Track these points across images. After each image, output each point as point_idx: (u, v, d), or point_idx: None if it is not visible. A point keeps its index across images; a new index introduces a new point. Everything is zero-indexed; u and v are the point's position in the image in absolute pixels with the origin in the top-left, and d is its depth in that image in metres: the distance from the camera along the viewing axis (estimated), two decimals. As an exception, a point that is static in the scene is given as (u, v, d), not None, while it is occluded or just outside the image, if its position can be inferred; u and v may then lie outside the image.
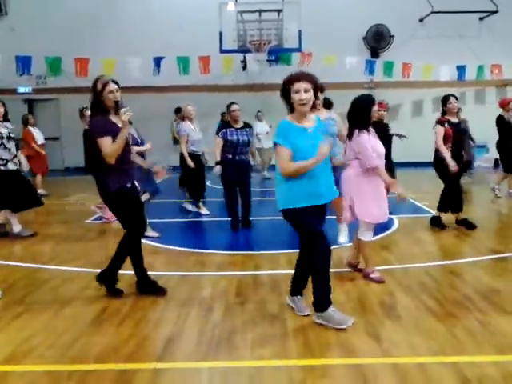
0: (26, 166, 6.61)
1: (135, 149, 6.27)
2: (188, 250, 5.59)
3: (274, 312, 3.71)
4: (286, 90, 3.28)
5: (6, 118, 6.14)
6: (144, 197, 5.84)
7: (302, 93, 3.20)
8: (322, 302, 3.44)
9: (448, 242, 5.79)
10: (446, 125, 5.91)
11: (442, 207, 6.27)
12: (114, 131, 3.77)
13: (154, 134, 9.14)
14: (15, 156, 6.11)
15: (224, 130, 6.40)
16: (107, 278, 4.05)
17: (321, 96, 5.27)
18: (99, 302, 3.93)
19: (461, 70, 13.67)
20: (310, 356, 3.03)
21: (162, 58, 12.15)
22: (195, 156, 7.33)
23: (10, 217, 6.28)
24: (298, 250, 3.59)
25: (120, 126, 3.79)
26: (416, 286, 4.22)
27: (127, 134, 3.85)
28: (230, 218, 6.60)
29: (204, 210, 7.70)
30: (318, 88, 3.32)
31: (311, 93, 3.23)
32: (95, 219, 7.36)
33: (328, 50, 12.52)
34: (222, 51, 11.77)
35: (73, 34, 13.65)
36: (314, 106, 3.44)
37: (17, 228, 6.29)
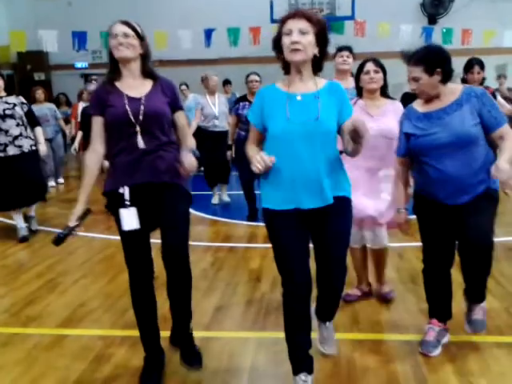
0: (43, 148, 5.31)
1: None
2: (236, 221, 5.63)
3: (323, 285, 3.69)
4: (278, 37, 2.24)
5: (10, 92, 5.20)
6: None
7: (295, 34, 2.14)
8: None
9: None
10: None
11: None
12: (107, 105, 2.43)
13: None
14: (17, 137, 4.99)
15: (236, 105, 5.60)
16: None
17: (352, 61, 4.26)
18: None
19: (527, 35, 12.80)
20: (358, 331, 3.01)
21: (212, 29, 12.07)
22: (207, 132, 6.30)
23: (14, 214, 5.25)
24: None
25: (132, 95, 2.44)
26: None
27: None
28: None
29: (215, 199, 6.60)
30: (325, 39, 2.23)
31: (311, 37, 2.16)
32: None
33: (382, 17, 11.99)
34: (273, 21, 11.55)
35: (126, 7, 13.78)
36: (318, 69, 2.30)
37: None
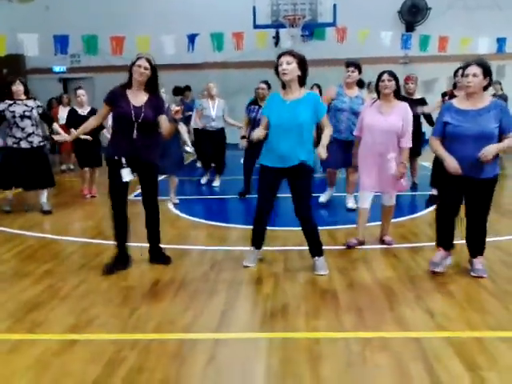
0: (63, 136, 5.97)
1: None
2: (229, 225, 5.65)
3: (324, 285, 3.75)
4: (276, 66, 3.78)
5: (29, 96, 6.14)
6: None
7: (284, 64, 3.72)
8: None
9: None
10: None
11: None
12: (117, 104, 3.93)
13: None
14: (30, 134, 6.01)
15: (248, 107, 6.78)
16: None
17: (357, 75, 5.76)
18: (152, 275, 4.04)
19: (501, 42, 13.19)
20: (365, 329, 3.07)
21: (196, 34, 12.06)
22: (205, 131, 7.85)
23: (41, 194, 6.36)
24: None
25: (135, 104, 3.91)
26: (464, 262, 4.16)
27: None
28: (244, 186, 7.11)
29: (204, 180, 8.20)
30: (304, 65, 3.76)
31: (294, 66, 3.73)
32: (136, 195, 7.47)
33: (363, 24, 12.21)
34: (256, 27, 11.64)
35: (107, 12, 13.70)
36: (302, 84, 3.81)
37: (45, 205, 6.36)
